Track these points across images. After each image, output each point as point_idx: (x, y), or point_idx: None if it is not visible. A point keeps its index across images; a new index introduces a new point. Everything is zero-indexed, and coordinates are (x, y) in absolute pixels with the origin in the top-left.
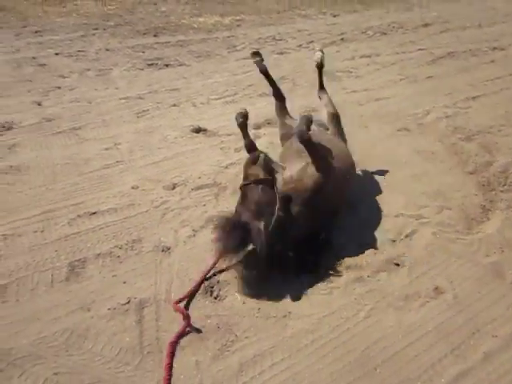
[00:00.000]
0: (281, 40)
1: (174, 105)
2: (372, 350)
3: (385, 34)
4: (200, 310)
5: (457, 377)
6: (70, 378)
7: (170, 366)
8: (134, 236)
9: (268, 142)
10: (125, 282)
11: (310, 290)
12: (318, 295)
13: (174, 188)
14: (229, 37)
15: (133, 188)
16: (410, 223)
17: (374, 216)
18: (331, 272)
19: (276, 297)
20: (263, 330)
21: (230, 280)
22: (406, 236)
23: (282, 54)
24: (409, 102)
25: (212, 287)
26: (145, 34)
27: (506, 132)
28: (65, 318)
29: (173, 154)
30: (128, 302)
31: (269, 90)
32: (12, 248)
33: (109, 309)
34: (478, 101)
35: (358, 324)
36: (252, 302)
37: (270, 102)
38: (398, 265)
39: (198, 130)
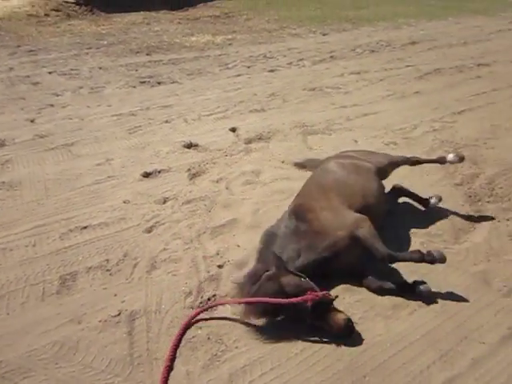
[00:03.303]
0: (271, 58)
1: (166, 121)
2: (361, 359)
3: (373, 51)
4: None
5: (444, 383)
6: None
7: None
8: (124, 249)
9: (259, 156)
10: (116, 295)
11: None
12: None
13: (165, 202)
14: (220, 55)
15: (124, 202)
16: (401, 234)
17: None
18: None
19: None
20: (253, 341)
21: (222, 292)
22: None
23: (272, 71)
24: (397, 117)
25: (202, 299)
26: (138, 52)
27: (491, 144)
28: (55, 331)
29: (164, 168)
30: (119, 314)
31: (259, 105)
32: (3, 262)
33: (100, 321)
34: (464, 115)
35: None
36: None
37: (261, 118)
38: None
39: (189, 146)
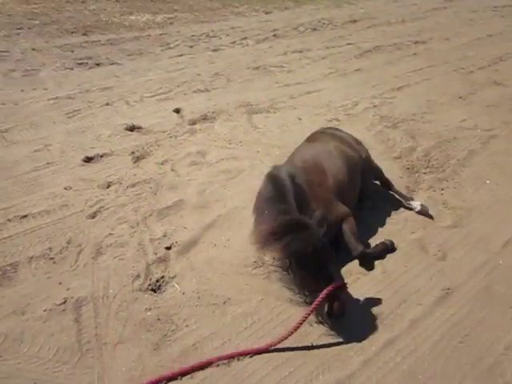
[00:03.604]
0: (214, 37)
1: (107, 104)
2: (309, 327)
3: (315, 29)
4: (140, 303)
5: (385, 344)
6: (4, 383)
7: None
8: (68, 237)
9: (204, 136)
10: (60, 283)
11: (249, 277)
12: (257, 280)
13: (108, 186)
14: (161, 34)
15: (66, 189)
16: None
17: None
18: (272, 258)
19: (215, 285)
20: (203, 318)
21: (171, 273)
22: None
23: (216, 50)
24: (338, 94)
25: (151, 281)
26: (73, 32)
27: (427, 119)
28: None
29: (107, 152)
30: (64, 302)
31: (203, 86)
32: None
33: (44, 310)
34: (402, 91)
35: (295, 304)
36: (191, 292)
37: (205, 98)
38: None
39: (132, 128)
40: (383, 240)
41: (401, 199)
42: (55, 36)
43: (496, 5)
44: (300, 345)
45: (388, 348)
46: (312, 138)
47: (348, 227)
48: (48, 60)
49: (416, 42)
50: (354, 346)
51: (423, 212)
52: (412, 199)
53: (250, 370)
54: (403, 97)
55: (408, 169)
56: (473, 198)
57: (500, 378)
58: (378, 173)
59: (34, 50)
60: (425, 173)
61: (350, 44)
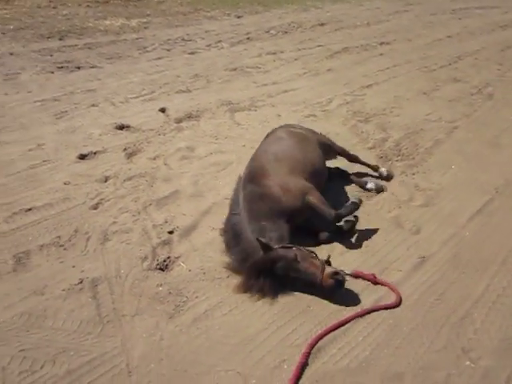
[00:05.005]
0: (190, 40)
1: (93, 105)
2: (303, 295)
3: (286, 32)
4: (151, 280)
5: (372, 303)
6: (36, 352)
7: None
8: (74, 226)
9: (191, 133)
10: (74, 266)
11: None
12: None
13: (106, 180)
14: (138, 38)
15: (65, 184)
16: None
17: None
18: None
19: (218, 262)
20: (210, 290)
21: (176, 253)
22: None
23: (193, 53)
24: (313, 92)
25: (158, 261)
26: (49, 37)
27: (396, 113)
28: (19, 304)
29: (100, 149)
30: (81, 282)
31: (185, 86)
32: None
33: (63, 290)
34: (372, 88)
35: None
36: (197, 269)
37: (188, 98)
38: None
39: (121, 127)
40: (351, 199)
41: (369, 168)
42: (31, 41)
43: (454, 8)
44: (300, 307)
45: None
46: (267, 136)
47: (314, 199)
48: (27, 64)
49: (381, 43)
50: (347, 305)
51: (390, 176)
52: (379, 167)
53: (257, 329)
54: (372, 94)
55: (381, 157)
56: (440, 180)
57: (471, 325)
58: (341, 150)
59: (11, 54)
60: (397, 160)
61: (319, 46)
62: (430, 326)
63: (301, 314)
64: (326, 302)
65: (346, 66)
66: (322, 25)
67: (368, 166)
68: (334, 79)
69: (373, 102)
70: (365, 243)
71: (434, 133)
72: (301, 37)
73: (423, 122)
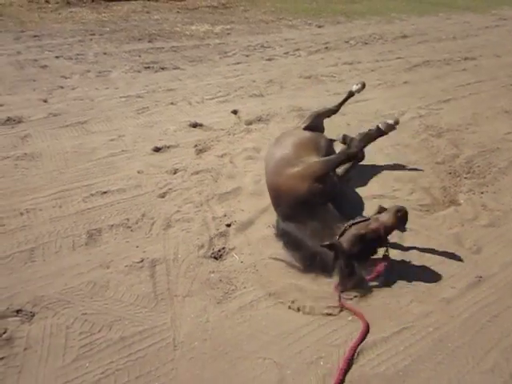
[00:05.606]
0: (269, 47)
1: (172, 103)
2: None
3: (366, 43)
4: (204, 266)
5: (419, 316)
6: (96, 317)
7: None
8: (142, 211)
9: (259, 135)
10: (137, 247)
11: None
12: None
13: (175, 173)
14: (220, 44)
15: (138, 172)
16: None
17: (358, 197)
18: None
19: (270, 258)
20: (259, 283)
21: (231, 245)
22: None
23: (270, 60)
24: (386, 104)
25: (214, 250)
26: (140, 39)
27: (472, 130)
28: (87, 274)
29: (173, 144)
30: (142, 261)
31: (258, 91)
32: (34, 220)
33: (126, 266)
34: (449, 103)
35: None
36: (249, 262)
37: (260, 102)
38: None
39: (194, 125)
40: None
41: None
42: (123, 42)
43: None
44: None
45: (421, 319)
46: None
47: (319, 172)
48: (118, 63)
49: (465, 59)
50: (391, 316)
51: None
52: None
53: (299, 324)
54: (449, 109)
55: (450, 173)
56: (511, 202)
57: None
58: (320, 112)
59: (105, 53)
60: (466, 177)
61: (399, 58)
62: (477, 347)
63: (343, 316)
64: (369, 307)
65: (424, 80)
66: (405, 37)
67: (347, 97)
68: (410, 92)
69: (448, 118)
70: (421, 258)
71: (511, 153)
72: (381, 48)
73: (501, 140)
